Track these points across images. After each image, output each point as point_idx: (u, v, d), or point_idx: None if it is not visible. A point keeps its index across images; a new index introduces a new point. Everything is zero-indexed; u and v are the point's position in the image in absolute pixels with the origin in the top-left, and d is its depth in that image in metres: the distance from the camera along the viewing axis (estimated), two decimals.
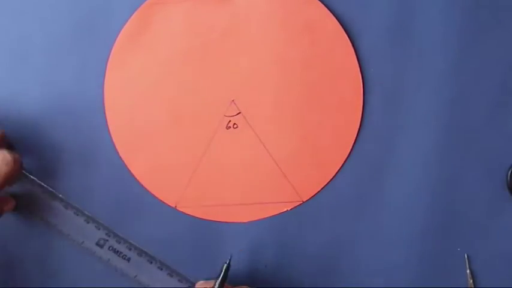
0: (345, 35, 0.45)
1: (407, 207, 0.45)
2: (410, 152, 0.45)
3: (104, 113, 0.45)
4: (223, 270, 0.41)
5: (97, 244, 0.44)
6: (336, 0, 0.45)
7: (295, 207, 0.45)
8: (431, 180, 0.45)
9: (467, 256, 0.44)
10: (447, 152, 0.45)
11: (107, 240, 0.44)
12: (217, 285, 0.40)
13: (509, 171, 0.44)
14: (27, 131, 0.45)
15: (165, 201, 0.45)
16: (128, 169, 0.45)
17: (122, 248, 0.44)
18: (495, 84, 0.45)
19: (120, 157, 0.45)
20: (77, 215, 0.44)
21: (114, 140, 0.45)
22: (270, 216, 0.45)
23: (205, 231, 0.45)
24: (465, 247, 0.44)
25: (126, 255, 0.44)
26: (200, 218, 0.45)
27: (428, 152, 0.45)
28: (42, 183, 0.44)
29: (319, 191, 0.45)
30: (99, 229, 0.44)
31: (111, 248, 0.44)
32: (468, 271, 0.44)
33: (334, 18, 0.45)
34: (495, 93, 0.45)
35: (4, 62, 0.45)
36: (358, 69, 0.45)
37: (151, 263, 0.44)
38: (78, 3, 0.45)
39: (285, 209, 0.45)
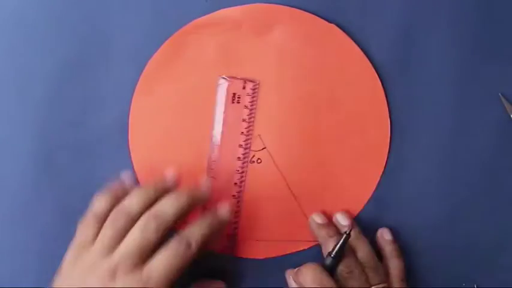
0: (378, 79, 0.44)
1: (426, 248, 0.45)
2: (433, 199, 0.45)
3: (128, 141, 0.44)
4: (343, 240, 0.40)
5: None
6: (373, 44, 0.44)
7: (313, 246, 0.45)
8: (449, 222, 0.45)
9: None
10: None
11: None
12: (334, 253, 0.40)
13: None
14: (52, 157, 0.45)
15: None
16: None
17: None
18: (498, 114, 0.45)
19: None
20: None
21: (136, 169, 0.44)
22: (286, 254, 0.45)
23: (219, 264, 0.45)
24: None
25: None
26: (216, 251, 0.45)
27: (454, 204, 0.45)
28: None
29: None
30: None
31: None
32: None
33: (369, 62, 0.44)
34: (499, 124, 0.45)
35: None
36: (388, 114, 0.44)
37: None
38: (110, 26, 0.44)
39: (302, 248, 0.45)
